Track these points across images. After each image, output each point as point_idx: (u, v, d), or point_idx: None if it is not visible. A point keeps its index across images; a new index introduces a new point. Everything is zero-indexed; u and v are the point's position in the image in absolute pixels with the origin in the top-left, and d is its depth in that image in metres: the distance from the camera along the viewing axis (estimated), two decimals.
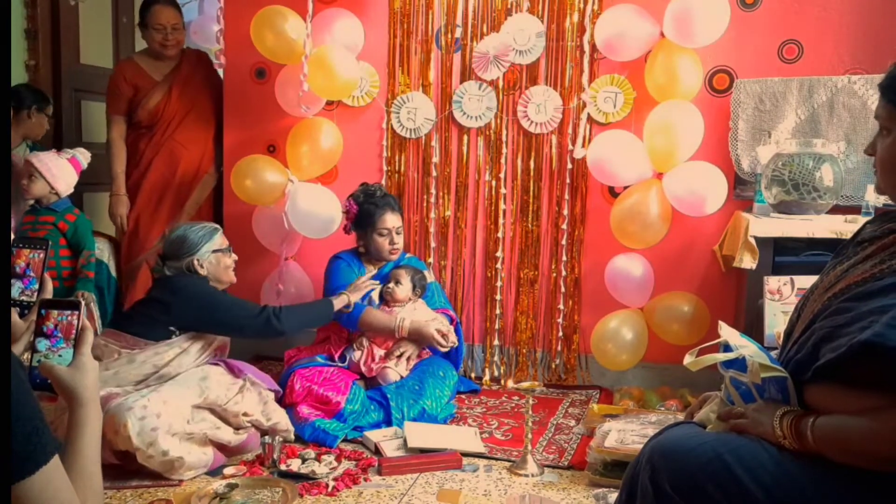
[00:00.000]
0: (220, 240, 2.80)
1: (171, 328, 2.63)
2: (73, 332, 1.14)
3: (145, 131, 3.68)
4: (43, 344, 1.14)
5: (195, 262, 2.72)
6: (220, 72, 3.88)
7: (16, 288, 1.23)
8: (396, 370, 3.00)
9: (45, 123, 3.68)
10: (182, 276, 2.72)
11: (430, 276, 3.32)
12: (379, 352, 3.05)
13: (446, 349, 3.07)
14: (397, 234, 3.17)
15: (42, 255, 1.25)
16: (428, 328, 3.03)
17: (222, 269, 2.79)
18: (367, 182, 3.30)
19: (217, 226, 2.86)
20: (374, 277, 3.19)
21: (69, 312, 1.15)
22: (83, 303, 1.18)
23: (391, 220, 3.15)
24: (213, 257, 2.76)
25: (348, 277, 3.16)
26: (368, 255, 3.23)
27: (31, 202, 3.16)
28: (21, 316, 1.21)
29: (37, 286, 1.25)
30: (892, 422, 1.20)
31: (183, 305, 2.63)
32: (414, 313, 3.09)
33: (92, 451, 1.10)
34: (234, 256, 2.86)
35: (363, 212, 3.17)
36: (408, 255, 3.41)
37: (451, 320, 3.23)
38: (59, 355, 1.13)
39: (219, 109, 3.81)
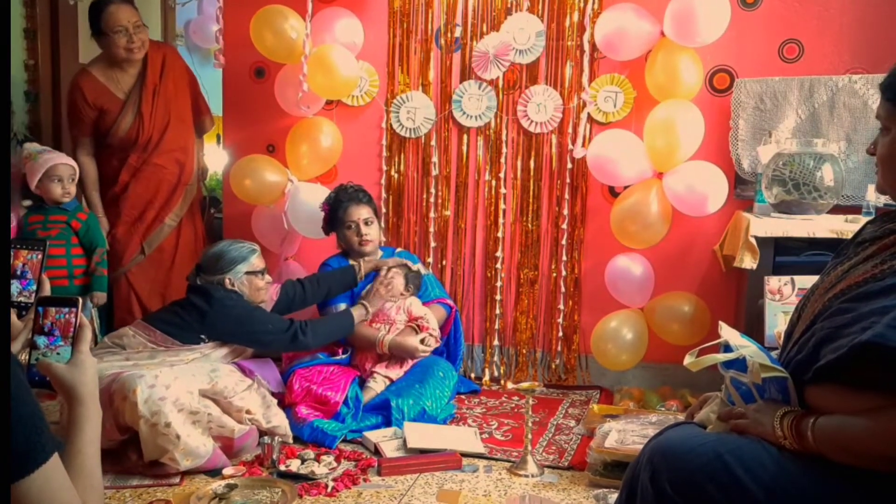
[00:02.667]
0: (255, 262, 2.84)
1: (202, 336, 2.70)
2: (72, 329, 1.14)
3: (118, 151, 3.39)
4: (41, 341, 1.14)
5: (227, 281, 2.78)
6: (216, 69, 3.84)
7: (14, 288, 1.23)
8: (385, 375, 2.98)
9: None
10: (219, 287, 2.77)
11: (424, 269, 3.31)
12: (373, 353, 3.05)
13: (427, 353, 3.04)
14: (366, 224, 3.16)
15: (40, 256, 1.25)
16: (409, 342, 3.00)
17: (254, 290, 2.83)
18: (343, 184, 3.28)
19: (255, 247, 2.89)
20: (371, 276, 3.19)
21: (67, 310, 1.15)
22: (80, 300, 1.18)
23: (356, 212, 3.15)
24: (246, 279, 2.81)
25: None
26: (351, 253, 3.22)
27: (28, 202, 3.14)
28: (19, 317, 1.20)
29: (35, 287, 1.24)
30: (893, 422, 1.19)
31: (217, 316, 2.70)
32: (402, 310, 3.08)
33: (91, 449, 1.10)
34: (268, 279, 2.90)
35: (332, 210, 3.19)
36: (398, 249, 3.41)
37: (450, 309, 3.23)
38: (58, 353, 1.13)
39: (195, 106, 3.59)
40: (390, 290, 3.07)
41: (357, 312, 2.99)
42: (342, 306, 3.11)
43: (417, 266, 3.24)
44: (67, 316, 1.15)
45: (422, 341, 3.02)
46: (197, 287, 2.78)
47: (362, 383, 2.99)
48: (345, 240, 3.20)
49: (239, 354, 2.82)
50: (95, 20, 3.28)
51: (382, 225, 3.35)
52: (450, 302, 3.27)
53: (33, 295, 1.22)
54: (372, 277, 3.17)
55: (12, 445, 0.93)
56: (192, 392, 2.41)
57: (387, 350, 3.01)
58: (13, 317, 1.18)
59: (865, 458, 1.22)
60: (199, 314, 2.69)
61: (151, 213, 3.45)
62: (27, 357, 1.13)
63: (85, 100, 3.31)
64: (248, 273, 2.81)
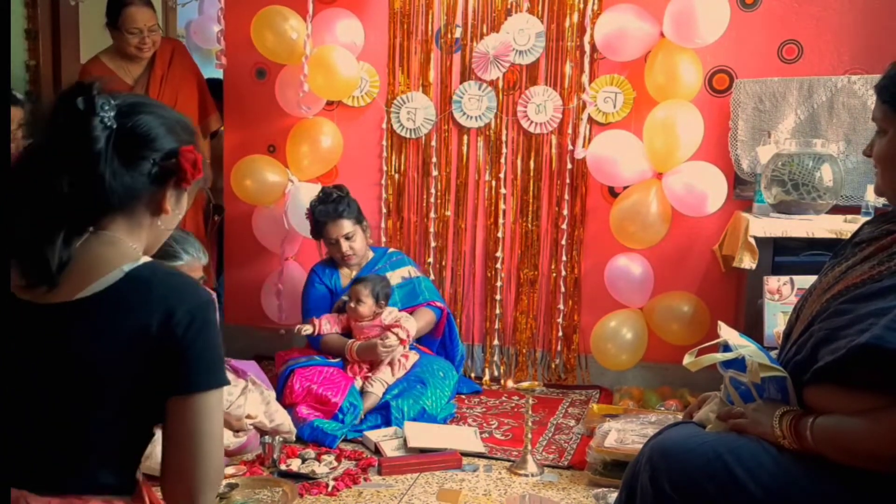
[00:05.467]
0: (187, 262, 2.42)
1: None
2: None
3: None
4: None
5: None
6: (218, 69, 3.83)
7: None
8: (381, 380, 2.94)
9: None
10: None
11: (415, 272, 3.29)
12: (364, 364, 3.01)
13: (390, 351, 2.93)
14: (347, 239, 3.09)
15: None
16: (371, 341, 2.96)
17: None
18: (326, 186, 3.24)
19: (192, 254, 2.40)
20: (353, 280, 3.15)
21: None
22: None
23: (334, 230, 3.08)
24: None
25: (319, 301, 3.16)
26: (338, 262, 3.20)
27: None
28: None
29: None
30: (891, 423, 1.20)
31: None
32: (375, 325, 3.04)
33: None
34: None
35: (314, 219, 3.14)
36: (390, 249, 3.39)
37: (441, 312, 3.22)
38: None
39: (202, 103, 3.64)
40: (358, 312, 3.00)
41: None
42: (322, 320, 3.06)
43: (384, 277, 3.15)
44: None
45: (383, 339, 2.95)
46: None
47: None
48: (329, 252, 3.19)
49: None
50: (113, 14, 3.32)
51: (368, 227, 3.24)
52: (439, 304, 3.23)
53: None
54: (358, 278, 3.13)
55: (207, 361, 1.12)
56: None
57: (356, 356, 2.98)
58: None
59: (865, 458, 1.23)
60: None
61: None
62: None
63: None
64: None
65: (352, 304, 3.02)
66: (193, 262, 2.43)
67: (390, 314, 3.05)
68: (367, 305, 3.01)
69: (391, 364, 2.97)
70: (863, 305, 1.28)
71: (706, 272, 3.30)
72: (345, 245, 3.10)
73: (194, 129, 1.28)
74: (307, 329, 3.04)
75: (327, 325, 3.07)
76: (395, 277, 3.19)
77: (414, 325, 3.06)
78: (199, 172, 1.20)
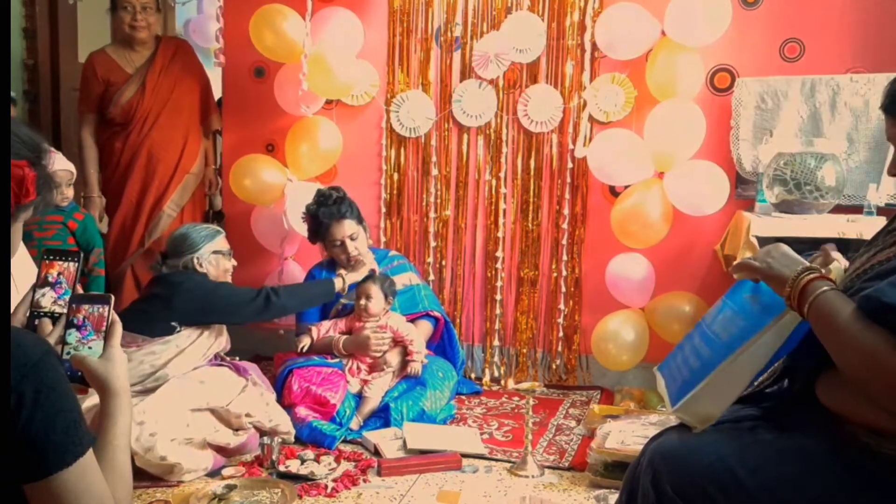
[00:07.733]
0: (221, 242, 2.80)
1: (173, 323, 2.60)
2: (104, 324, 1.17)
3: (119, 129, 3.49)
4: (73, 336, 1.16)
5: (195, 261, 2.71)
6: (216, 68, 3.82)
7: (48, 298, 1.23)
8: (381, 386, 2.92)
9: None
10: (180, 272, 2.72)
11: (416, 279, 3.27)
12: (363, 366, 2.98)
13: (379, 354, 2.93)
14: (352, 240, 3.06)
15: (75, 266, 1.26)
16: (360, 335, 2.94)
17: (221, 271, 2.78)
18: (322, 187, 3.22)
19: (220, 229, 2.85)
20: (352, 287, 3.10)
21: (100, 305, 1.18)
22: (113, 297, 1.20)
23: (338, 230, 3.05)
24: (214, 258, 2.76)
25: None
26: (339, 264, 3.16)
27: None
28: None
29: (69, 296, 1.25)
30: (877, 343, 1.15)
31: (183, 297, 2.62)
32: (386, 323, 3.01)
33: (122, 441, 1.13)
34: (234, 262, 2.85)
35: (314, 222, 3.10)
36: (392, 252, 3.36)
37: (436, 322, 3.20)
38: (89, 347, 1.15)
39: (204, 102, 3.65)
40: (368, 310, 2.97)
41: (337, 282, 2.98)
42: (319, 327, 3.06)
43: (391, 277, 3.12)
44: (100, 310, 1.17)
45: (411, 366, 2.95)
46: (157, 278, 2.73)
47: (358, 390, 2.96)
48: (332, 254, 3.16)
49: (216, 339, 2.70)
50: None
51: (367, 229, 3.21)
52: (435, 314, 3.21)
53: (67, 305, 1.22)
54: (364, 278, 3.12)
55: (52, 438, 0.97)
56: (184, 416, 2.38)
57: (343, 350, 2.97)
58: (49, 326, 1.18)
59: (835, 354, 1.21)
60: (164, 302, 2.60)
61: (150, 198, 3.50)
62: (59, 352, 1.14)
63: (95, 73, 3.46)
64: (214, 253, 2.76)
65: (361, 303, 2.98)
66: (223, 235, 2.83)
67: (395, 320, 3.02)
68: (376, 302, 2.98)
69: (394, 372, 2.97)
70: (881, 281, 1.26)
71: (708, 272, 3.29)
72: (350, 246, 3.07)
73: (39, 146, 1.10)
74: (305, 341, 3.02)
75: (323, 332, 3.06)
76: (396, 283, 3.16)
77: (423, 345, 3.04)
78: (26, 194, 1.05)
